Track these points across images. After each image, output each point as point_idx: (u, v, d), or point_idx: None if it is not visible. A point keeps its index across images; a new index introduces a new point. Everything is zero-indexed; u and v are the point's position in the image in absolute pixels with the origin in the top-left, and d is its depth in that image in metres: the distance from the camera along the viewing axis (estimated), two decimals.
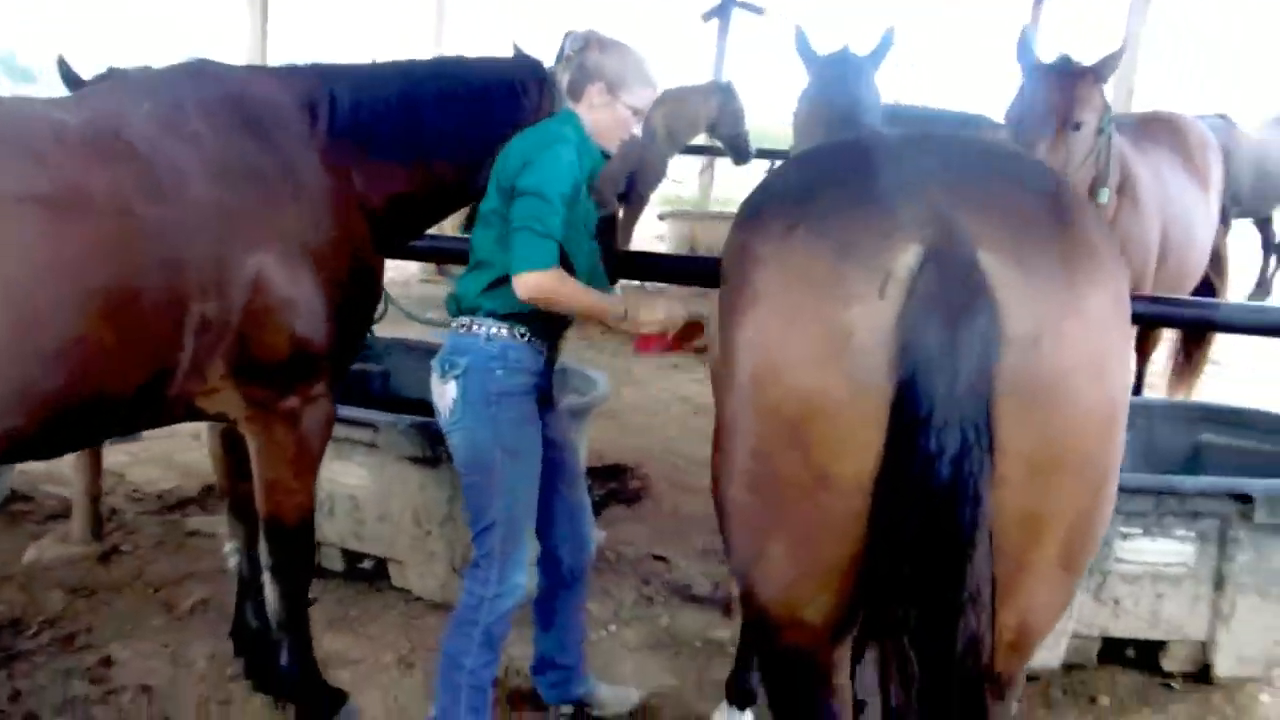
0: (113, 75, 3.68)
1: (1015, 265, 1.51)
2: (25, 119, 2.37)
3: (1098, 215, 1.65)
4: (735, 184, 11.90)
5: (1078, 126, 4.00)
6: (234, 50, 9.40)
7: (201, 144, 2.55)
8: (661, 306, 2.70)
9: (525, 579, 2.82)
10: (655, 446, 5.86)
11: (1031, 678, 3.42)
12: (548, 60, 3.18)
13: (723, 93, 8.79)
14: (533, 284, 2.53)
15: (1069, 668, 3.47)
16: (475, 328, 2.71)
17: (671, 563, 4.37)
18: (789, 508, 1.64)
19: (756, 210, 1.83)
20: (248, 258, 2.55)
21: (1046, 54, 4.15)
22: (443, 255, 4.47)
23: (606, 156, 2.84)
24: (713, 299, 2.16)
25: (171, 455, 5.30)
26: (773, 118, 10.08)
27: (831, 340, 1.54)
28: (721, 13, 14.90)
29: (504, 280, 2.64)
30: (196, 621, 3.74)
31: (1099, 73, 4.01)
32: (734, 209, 2.12)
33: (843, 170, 1.73)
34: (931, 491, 1.48)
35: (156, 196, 2.41)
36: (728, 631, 3.80)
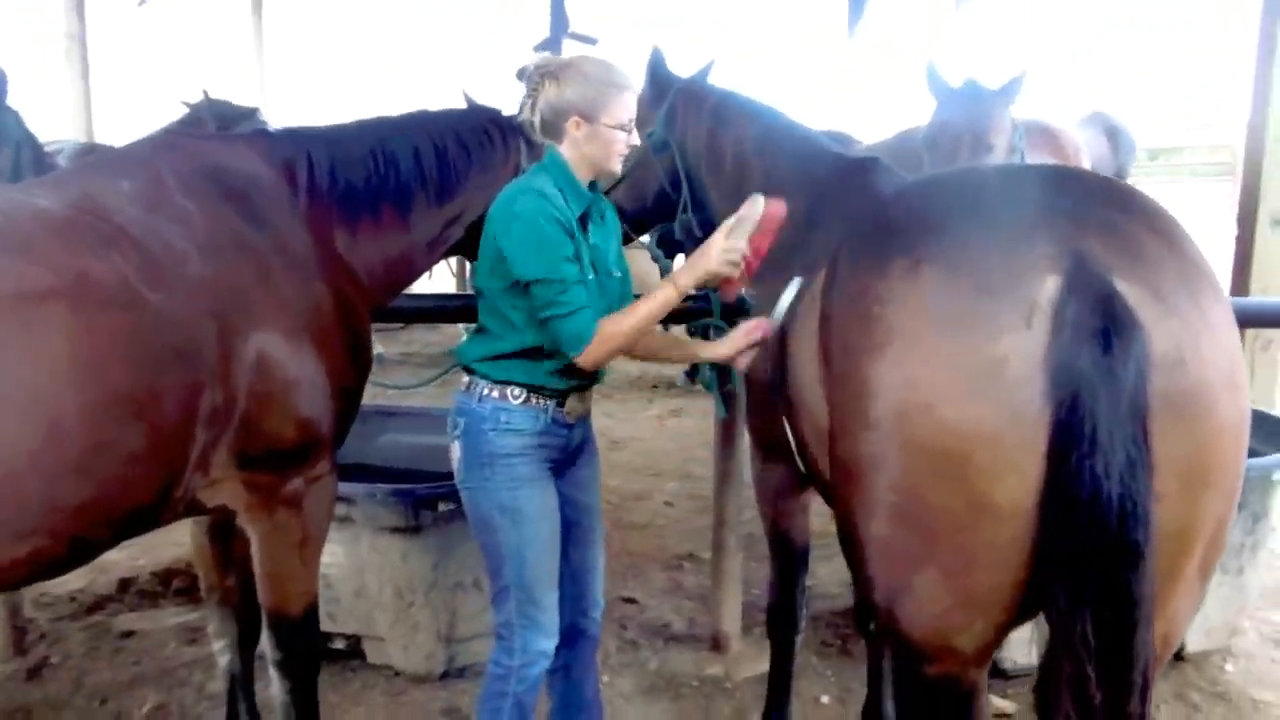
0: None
1: (1149, 290, 1.58)
2: (7, 207, 2.15)
3: (1191, 236, 1.75)
4: None
5: (990, 148, 4.23)
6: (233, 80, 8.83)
7: (192, 222, 2.38)
8: (715, 251, 2.41)
9: (550, 643, 2.71)
10: None
11: (1024, 675, 3.57)
12: (506, 108, 3.14)
13: None
14: (590, 359, 2.45)
15: None
16: (471, 387, 2.63)
17: (642, 603, 4.33)
18: (942, 538, 1.66)
19: (866, 249, 1.85)
20: (248, 339, 2.39)
21: (955, 77, 4.38)
22: (418, 314, 4.32)
23: (621, 179, 2.86)
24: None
25: None
26: None
27: (984, 372, 1.57)
28: (553, 44, 14.99)
29: (497, 348, 2.57)
30: None
31: (1007, 95, 4.25)
32: None
33: (961, 204, 1.77)
34: (1100, 512, 1.53)
35: (160, 281, 2.23)
36: (721, 667, 3.80)
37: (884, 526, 1.74)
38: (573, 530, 2.80)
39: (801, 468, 2.70)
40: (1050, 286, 1.57)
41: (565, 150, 2.53)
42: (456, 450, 2.64)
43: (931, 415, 1.62)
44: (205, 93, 7.45)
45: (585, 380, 2.66)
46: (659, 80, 3.32)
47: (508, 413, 2.58)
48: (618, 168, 2.59)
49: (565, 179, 2.53)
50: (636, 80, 2.59)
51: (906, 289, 1.68)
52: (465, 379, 2.67)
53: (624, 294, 2.66)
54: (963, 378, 1.59)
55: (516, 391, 2.58)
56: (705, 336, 3.19)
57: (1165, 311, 1.58)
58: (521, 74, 2.57)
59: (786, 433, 2.70)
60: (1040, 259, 1.60)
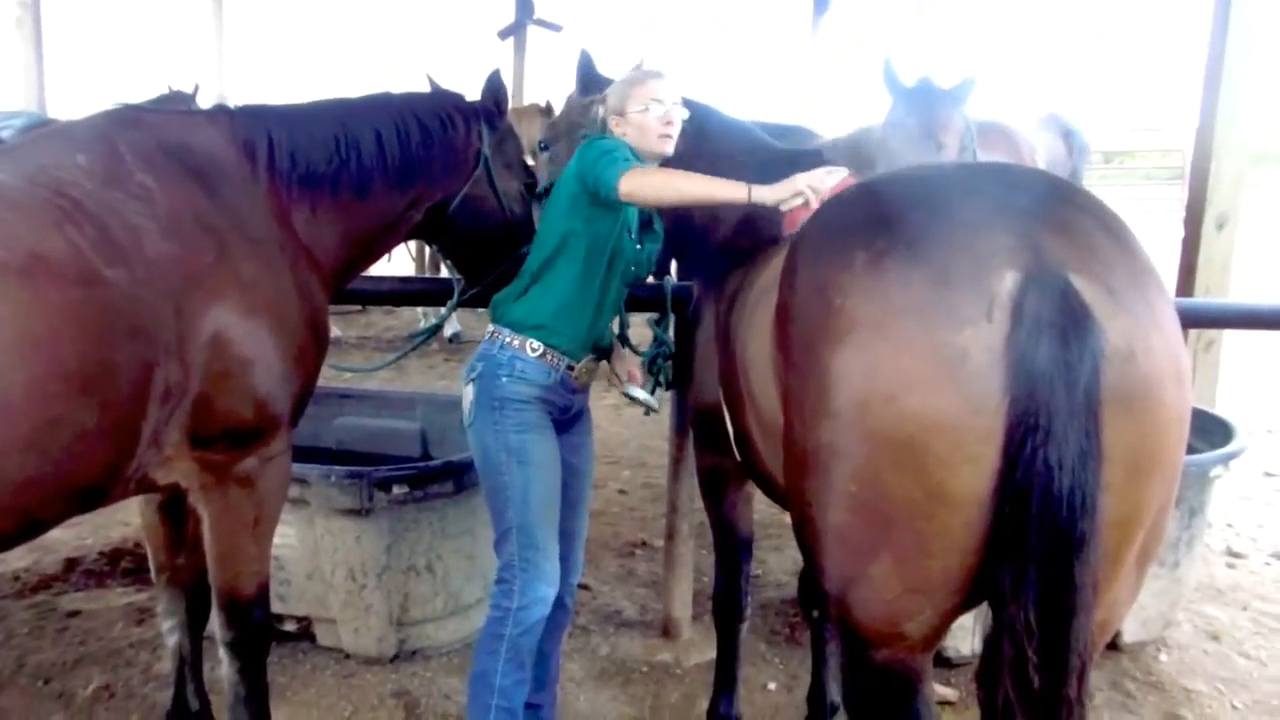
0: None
1: (1102, 286, 1.63)
2: None
3: (1138, 237, 1.80)
4: None
5: (941, 146, 4.28)
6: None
7: (150, 198, 2.36)
8: (803, 178, 2.43)
9: (551, 590, 2.78)
10: None
11: (965, 663, 3.64)
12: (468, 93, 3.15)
13: (545, 114, 8.82)
14: (628, 185, 2.52)
15: None
16: (495, 335, 2.81)
17: (594, 590, 4.35)
18: (898, 527, 1.70)
19: (827, 241, 1.88)
20: (205, 317, 2.38)
21: (909, 75, 4.42)
22: (376, 297, 4.30)
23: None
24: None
25: None
26: None
27: (946, 362, 1.61)
28: (517, 30, 14.90)
29: (529, 291, 2.79)
30: (101, 711, 3.41)
31: (958, 95, 4.31)
32: None
33: (921, 199, 1.80)
34: (1052, 502, 1.58)
35: (116, 257, 2.21)
36: (671, 653, 3.83)
37: (841, 515, 1.77)
38: (563, 492, 2.88)
39: (738, 458, 2.73)
40: (1009, 280, 1.62)
41: (616, 134, 2.81)
42: (470, 393, 2.80)
43: (893, 405, 1.65)
44: (169, 86, 7.33)
45: (595, 353, 2.90)
46: (589, 83, 3.34)
47: (523, 362, 2.76)
48: (665, 146, 2.78)
49: (632, 151, 2.76)
50: (666, 70, 2.88)
51: (869, 281, 1.71)
52: (490, 328, 2.86)
53: (640, 260, 2.92)
54: (924, 368, 1.63)
55: (535, 345, 2.76)
56: (652, 366, 3.21)
57: (1117, 307, 1.63)
58: (593, 107, 2.98)
59: (726, 425, 2.73)
60: (999, 253, 1.64)
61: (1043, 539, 1.60)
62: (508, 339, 2.78)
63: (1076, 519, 1.59)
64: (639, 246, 2.92)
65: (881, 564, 1.74)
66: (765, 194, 2.44)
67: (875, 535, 1.74)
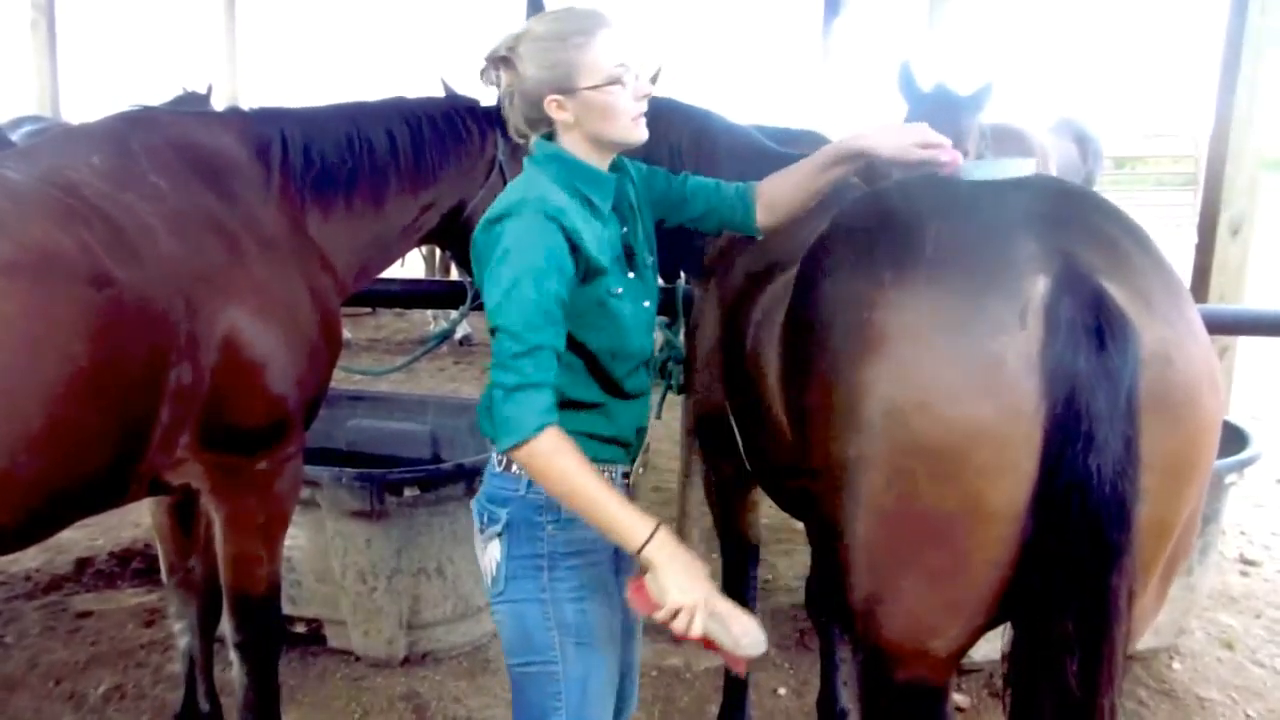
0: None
1: (1133, 291, 1.61)
2: None
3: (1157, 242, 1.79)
4: None
5: (964, 154, 4.28)
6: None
7: (163, 199, 2.37)
8: (690, 585, 1.72)
9: None
10: None
11: (976, 669, 3.63)
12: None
13: None
14: (524, 457, 1.77)
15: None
16: (514, 468, 1.94)
17: None
18: (932, 540, 1.66)
19: (848, 252, 1.84)
20: (217, 318, 2.38)
21: (926, 81, 4.42)
22: (386, 299, 4.32)
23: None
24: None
25: None
26: None
27: (982, 371, 1.58)
28: None
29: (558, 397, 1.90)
30: (112, 712, 3.42)
31: (977, 102, 4.30)
32: None
33: (942, 206, 1.77)
34: (1092, 510, 1.55)
35: (128, 258, 2.21)
36: (680, 658, 3.82)
37: (870, 529, 1.73)
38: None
39: (749, 467, 2.68)
40: (1041, 286, 1.59)
41: (564, 141, 1.93)
42: (495, 552, 1.98)
43: (927, 415, 1.61)
44: (183, 87, 7.35)
45: (643, 433, 2.10)
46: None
47: None
48: (638, 132, 1.92)
49: (572, 172, 1.91)
50: (612, 13, 1.92)
51: (897, 292, 1.67)
52: (496, 455, 2.00)
53: (641, 351, 2.04)
54: (959, 377, 1.59)
55: None
56: (663, 370, 3.17)
57: (1150, 311, 1.61)
58: (485, 76, 2.02)
59: (735, 433, 2.68)
60: (1028, 260, 1.61)
61: (1082, 548, 1.57)
62: None
63: (1116, 527, 1.56)
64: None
65: (912, 579, 1.71)
66: (637, 542, 1.74)
67: (907, 549, 1.69)
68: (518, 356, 1.75)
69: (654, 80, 1.91)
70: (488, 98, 3.13)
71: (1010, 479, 1.59)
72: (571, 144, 1.93)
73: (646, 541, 1.74)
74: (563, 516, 1.93)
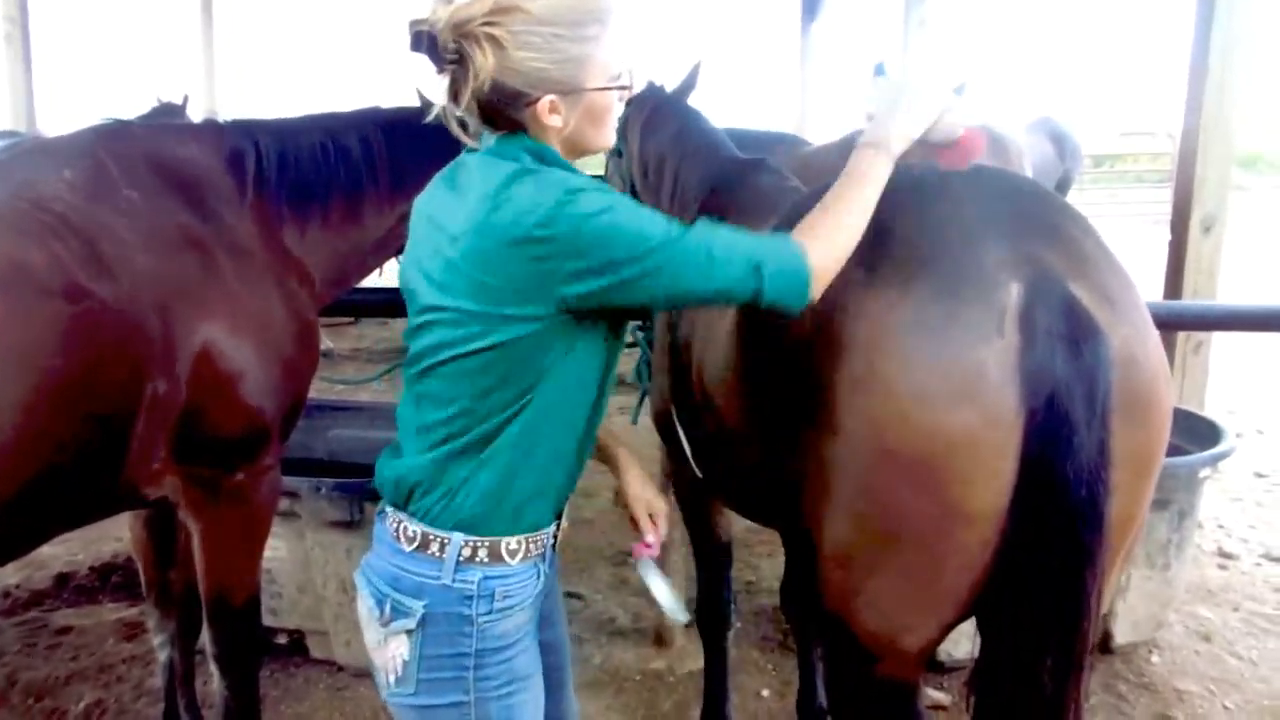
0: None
1: (1099, 294, 1.64)
2: None
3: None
4: None
5: None
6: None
7: (136, 212, 2.37)
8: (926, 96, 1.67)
9: None
10: None
11: (958, 667, 3.65)
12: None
13: None
14: (818, 290, 1.60)
15: None
16: (433, 546, 1.64)
17: (587, 599, 4.35)
18: (909, 543, 1.67)
19: None
20: (193, 331, 2.38)
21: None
22: (367, 308, 4.33)
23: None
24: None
25: None
26: None
27: (962, 378, 1.59)
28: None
29: (473, 470, 1.63)
30: None
31: None
32: None
33: (908, 207, 1.76)
34: (1070, 510, 1.58)
35: (102, 272, 2.21)
36: (664, 661, 3.83)
37: (845, 532, 1.74)
38: (550, 676, 1.87)
39: (698, 473, 2.66)
40: (1015, 293, 1.60)
41: (536, 136, 1.63)
42: (400, 649, 1.65)
43: (908, 421, 1.62)
44: (158, 98, 7.32)
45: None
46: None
47: (503, 581, 1.66)
48: (610, 139, 1.69)
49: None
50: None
51: (869, 296, 1.68)
52: (409, 528, 1.66)
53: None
54: (939, 384, 1.60)
55: (514, 543, 1.67)
56: (639, 374, 3.17)
57: (1116, 315, 1.64)
58: (418, 42, 1.59)
59: (679, 436, 2.65)
60: (1000, 266, 1.63)
61: (1057, 549, 1.60)
62: (465, 551, 1.63)
63: (1090, 528, 1.59)
64: None
65: (887, 580, 1.73)
66: (901, 145, 1.68)
67: (882, 552, 1.71)
68: (725, 231, 1.57)
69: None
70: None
71: (989, 484, 1.61)
72: (543, 139, 1.61)
73: (889, 152, 1.66)
74: (495, 606, 1.64)
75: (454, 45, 1.54)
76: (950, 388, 1.59)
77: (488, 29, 1.52)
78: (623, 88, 1.63)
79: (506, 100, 1.57)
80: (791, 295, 1.56)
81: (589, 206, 1.50)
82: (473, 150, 1.68)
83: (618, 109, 1.67)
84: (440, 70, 1.59)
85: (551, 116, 1.59)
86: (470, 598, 1.63)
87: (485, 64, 1.53)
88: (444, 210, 1.66)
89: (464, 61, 1.55)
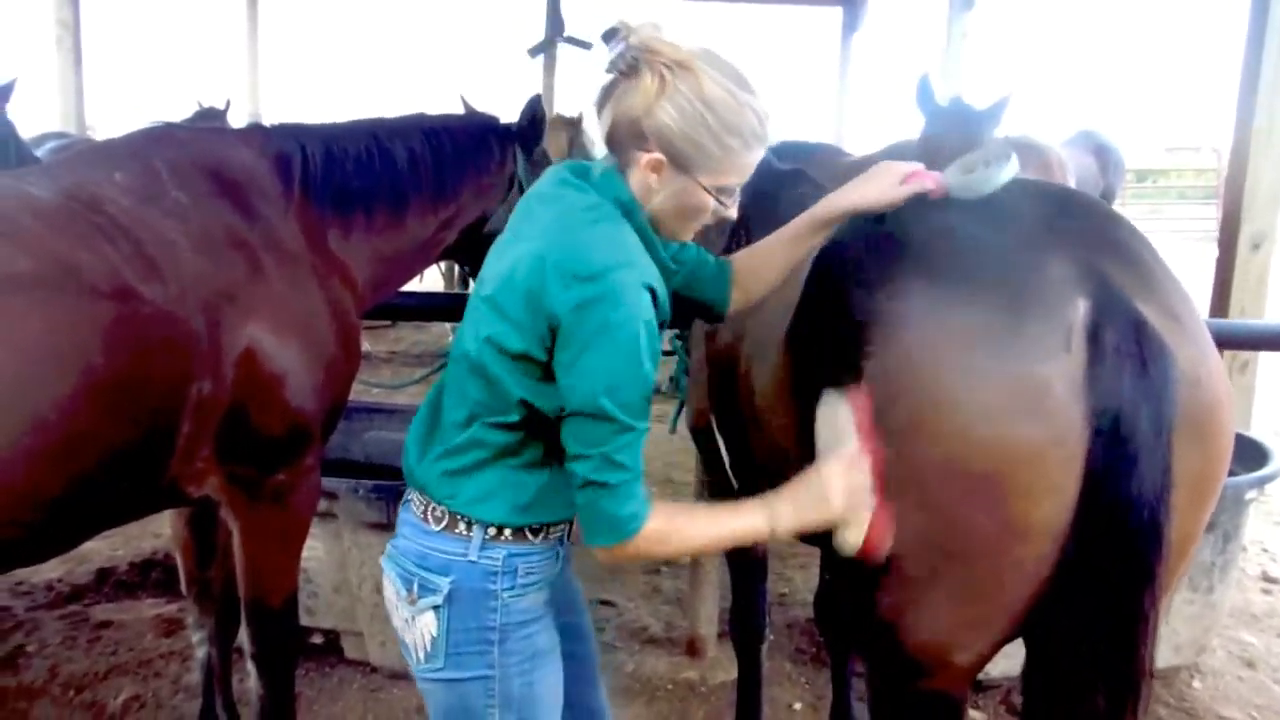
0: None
1: (1164, 312, 1.62)
2: None
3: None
4: None
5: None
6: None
7: (185, 215, 2.40)
8: (836, 487, 1.66)
9: None
10: None
11: (993, 685, 3.61)
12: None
13: (571, 126, 8.84)
14: (626, 556, 1.65)
15: None
16: (459, 527, 1.73)
17: (619, 606, 4.35)
18: (966, 558, 1.65)
19: (869, 267, 1.78)
20: (238, 332, 2.40)
21: (942, 95, 4.43)
22: (405, 311, 4.37)
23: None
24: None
25: None
26: None
27: (1028, 394, 1.56)
28: (547, 48, 15.00)
29: (493, 467, 1.73)
30: None
31: (994, 115, 4.31)
32: None
33: (967, 222, 1.73)
34: (1132, 530, 1.56)
35: (150, 273, 2.24)
36: (696, 671, 3.82)
37: (903, 545, 1.70)
38: (570, 666, 1.92)
39: (734, 484, 2.62)
40: (1082, 310, 1.58)
41: (632, 184, 1.69)
42: (429, 624, 1.73)
43: (969, 436, 1.60)
44: (199, 103, 7.43)
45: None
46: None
47: (527, 557, 1.75)
48: (688, 236, 1.79)
49: (647, 239, 1.70)
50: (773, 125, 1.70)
51: (934, 309, 1.65)
52: (435, 508, 1.76)
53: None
54: (1005, 400, 1.57)
55: (536, 525, 1.76)
56: (677, 383, 3.17)
57: (1180, 332, 1.62)
58: (612, 36, 1.65)
59: (720, 448, 2.63)
60: (1065, 281, 1.60)
61: (1118, 569, 1.58)
62: (490, 530, 1.72)
63: (1152, 548, 1.57)
64: None
65: (943, 593, 1.70)
66: (790, 524, 1.69)
67: (941, 565, 1.68)
68: (628, 447, 1.59)
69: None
70: (505, 109, 3.16)
71: (1052, 500, 1.58)
72: (636, 193, 1.68)
73: (772, 530, 1.68)
74: (519, 582, 1.74)
75: (635, 60, 1.61)
76: (1016, 403, 1.57)
77: (662, 65, 1.59)
78: (721, 203, 1.68)
79: (632, 133, 1.64)
80: (595, 535, 1.62)
81: (616, 319, 1.56)
82: (579, 165, 1.76)
83: (705, 219, 1.72)
84: (609, 70, 1.65)
85: (650, 175, 1.65)
86: (495, 573, 1.73)
87: (649, 91, 1.59)
88: (533, 212, 1.75)
89: (633, 77, 1.61)
